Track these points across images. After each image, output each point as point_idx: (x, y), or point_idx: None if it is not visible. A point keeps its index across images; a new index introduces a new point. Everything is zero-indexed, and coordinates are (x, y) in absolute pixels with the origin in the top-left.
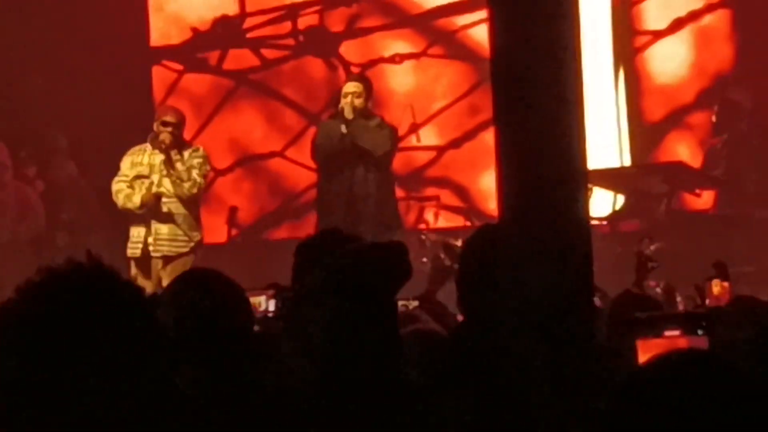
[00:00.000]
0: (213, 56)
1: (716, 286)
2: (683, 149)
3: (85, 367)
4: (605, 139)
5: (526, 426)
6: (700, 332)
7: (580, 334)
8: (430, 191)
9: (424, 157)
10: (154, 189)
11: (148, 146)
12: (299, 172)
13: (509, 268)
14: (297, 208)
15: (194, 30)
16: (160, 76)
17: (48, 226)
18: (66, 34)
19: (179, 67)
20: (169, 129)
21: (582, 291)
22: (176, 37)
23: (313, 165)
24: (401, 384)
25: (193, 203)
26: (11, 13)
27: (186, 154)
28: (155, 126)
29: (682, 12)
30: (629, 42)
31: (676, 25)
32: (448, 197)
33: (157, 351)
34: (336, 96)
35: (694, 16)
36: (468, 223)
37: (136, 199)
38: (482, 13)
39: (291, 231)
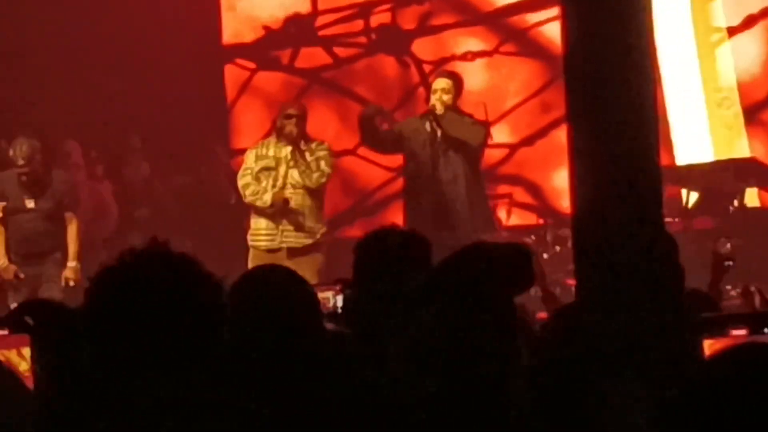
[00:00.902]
0: (285, 54)
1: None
2: (757, 146)
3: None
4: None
5: None
6: (766, 331)
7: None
8: (503, 189)
9: (496, 155)
10: (279, 182)
11: (272, 139)
12: (372, 170)
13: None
14: (370, 206)
15: (266, 28)
16: (233, 74)
17: (121, 225)
18: (139, 34)
19: (252, 65)
20: (294, 121)
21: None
22: (248, 36)
23: (386, 164)
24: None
25: (318, 196)
26: (85, 14)
27: (313, 145)
28: (278, 120)
29: (754, 9)
30: (705, 38)
31: (749, 21)
32: (520, 195)
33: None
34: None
35: (766, 12)
36: (541, 221)
37: (267, 198)
38: (554, 11)
39: (364, 229)
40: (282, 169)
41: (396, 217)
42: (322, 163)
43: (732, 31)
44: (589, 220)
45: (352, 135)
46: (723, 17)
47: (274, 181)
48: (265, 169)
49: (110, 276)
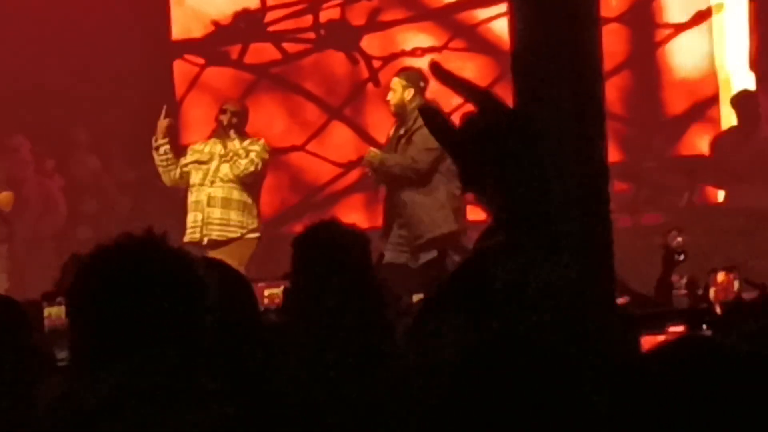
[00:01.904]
0: (234, 50)
1: (721, 276)
2: (704, 142)
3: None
4: None
5: None
6: (704, 327)
7: (601, 327)
8: None
9: None
10: (209, 176)
11: (213, 138)
12: (320, 165)
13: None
14: (318, 202)
15: (215, 24)
16: (182, 69)
17: (69, 220)
18: (87, 28)
19: (201, 60)
20: (227, 116)
21: (604, 284)
22: (197, 31)
23: (335, 159)
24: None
25: (249, 190)
26: (32, 8)
27: (247, 141)
28: (217, 116)
29: (703, 5)
30: (650, 35)
31: (698, 17)
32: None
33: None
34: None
35: (716, 9)
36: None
37: (166, 178)
38: (504, 7)
39: None
40: (214, 164)
41: (345, 212)
42: (252, 154)
43: (680, 28)
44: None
45: (300, 130)
46: (671, 14)
47: (204, 175)
48: (197, 162)
49: (93, 263)
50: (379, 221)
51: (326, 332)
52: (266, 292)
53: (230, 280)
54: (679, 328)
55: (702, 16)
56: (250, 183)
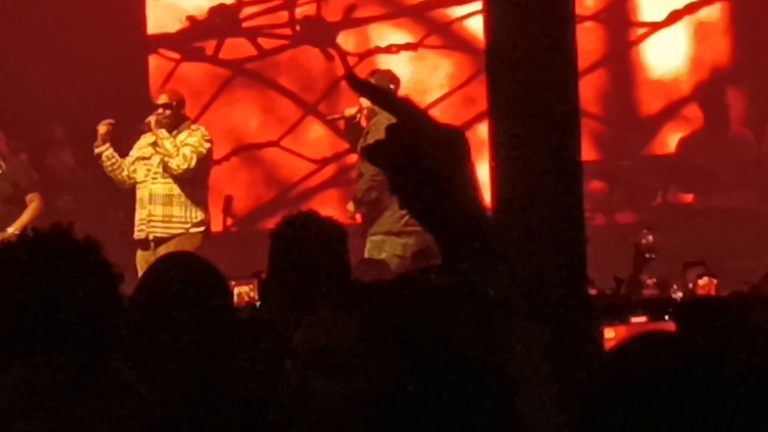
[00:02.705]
0: (209, 45)
1: (703, 281)
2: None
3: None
4: None
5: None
6: (666, 318)
7: (574, 320)
8: None
9: None
10: (152, 171)
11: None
12: (295, 162)
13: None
14: (293, 198)
15: (191, 19)
16: (157, 65)
17: (45, 214)
18: (62, 23)
19: (176, 56)
20: (159, 110)
21: (575, 279)
22: (173, 26)
23: (309, 155)
24: None
25: (191, 184)
26: (7, 2)
27: (184, 134)
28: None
29: (679, 4)
30: (626, 34)
31: (673, 17)
32: None
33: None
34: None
35: (691, 8)
36: None
37: (118, 181)
38: (479, 4)
39: None
40: (155, 160)
41: (319, 208)
42: (186, 149)
43: (656, 27)
44: (510, 214)
45: (275, 126)
46: (646, 13)
47: (147, 171)
48: (140, 159)
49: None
50: (355, 217)
51: (300, 323)
52: (236, 290)
53: (196, 272)
54: (642, 319)
55: (677, 15)
56: (191, 177)
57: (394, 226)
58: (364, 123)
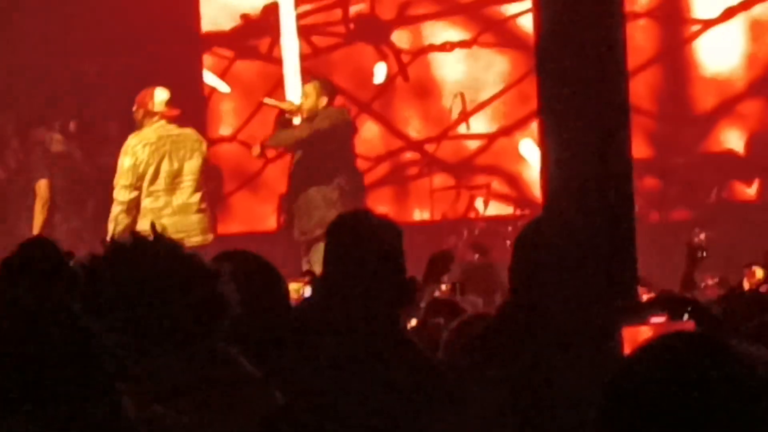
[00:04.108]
0: (263, 44)
1: (758, 272)
2: (734, 139)
3: None
4: None
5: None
6: (686, 317)
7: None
8: (480, 179)
9: (474, 145)
10: None
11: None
12: None
13: (555, 258)
14: None
15: (244, 17)
16: (211, 63)
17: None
18: (117, 22)
19: (229, 54)
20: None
21: (625, 281)
22: (226, 24)
23: (362, 153)
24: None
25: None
26: (63, 1)
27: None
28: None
29: (733, 1)
30: (680, 31)
31: (728, 14)
32: (498, 185)
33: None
34: None
35: (745, 5)
36: (518, 212)
37: None
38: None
39: None
40: None
41: (374, 205)
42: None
43: (709, 24)
44: (560, 212)
45: None
46: (700, 10)
47: None
48: None
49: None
50: (408, 215)
51: (357, 320)
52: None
53: (252, 269)
54: (661, 318)
55: (731, 12)
56: None
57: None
58: (296, 122)
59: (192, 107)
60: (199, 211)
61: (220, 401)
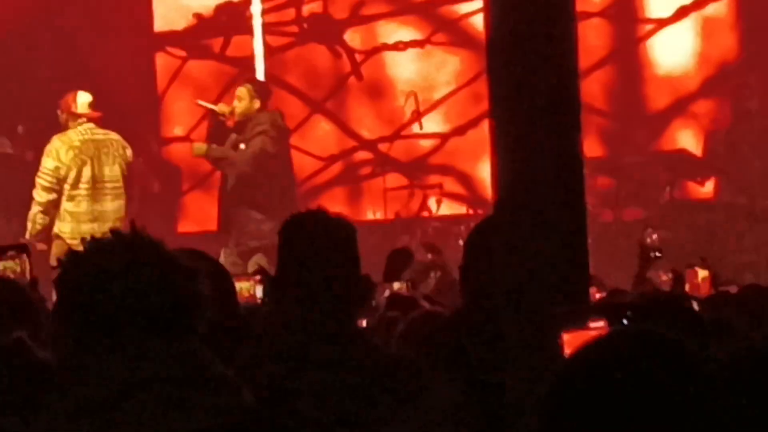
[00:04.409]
0: (216, 43)
1: (701, 273)
2: (686, 138)
3: None
4: None
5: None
6: (625, 322)
7: (571, 320)
8: (434, 179)
9: (427, 144)
10: None
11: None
12: (302, 159)
13: (504, 257)
14: (300, 195)
15: (197, 16)
16: (164, 62)
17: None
18: (70, 20)
19: (182, 53)
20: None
21: (576, 279)
22: (179, 23)
23: (317, 153)
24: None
25: None
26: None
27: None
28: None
29: (686, 0)
30: (633, 30)
31: (681, 13)
32: (451, 185)
33: None
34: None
35: (698, 4)
36: (471, 211)
37: None
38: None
39: None
40: None
41: (326, 205)
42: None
43: (663, 23)
44: (510, 210)
45: None
46: (653, 9)
47: None
48: None
49: (78, 260)
50: (362, 214)
51: (312, 320)
52: (237, 286)
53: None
54: (600, 323)
55: (684, 12)
56: None
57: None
58: (230, 124)
59: (145, 106)
60: (119, 219)
61: (186, 399)
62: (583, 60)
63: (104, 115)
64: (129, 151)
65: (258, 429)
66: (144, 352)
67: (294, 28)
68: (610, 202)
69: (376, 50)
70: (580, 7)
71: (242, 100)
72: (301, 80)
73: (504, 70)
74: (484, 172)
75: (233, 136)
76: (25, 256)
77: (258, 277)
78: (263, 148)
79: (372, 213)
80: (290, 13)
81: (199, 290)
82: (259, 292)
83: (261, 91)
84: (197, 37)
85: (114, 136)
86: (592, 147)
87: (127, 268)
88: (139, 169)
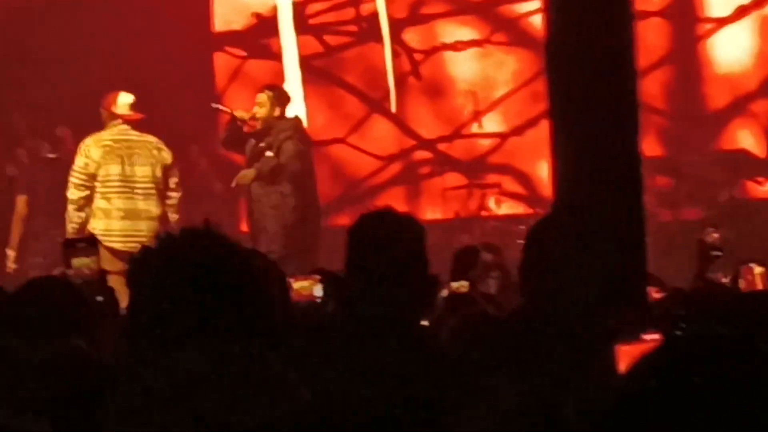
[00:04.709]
0: (275, 42)
1: (756, 269)
2: (746, 137)
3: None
4: None
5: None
6: (678, 333)
7: (630, 322)
8: (493, 178)
9: (486, 144)
10: None
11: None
12: (361, 158)
13: (565, 257)
14: (359, 194)
15: (257, 16)
16: (223, 62)
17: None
18: (129, 21)
19: (242, 53)
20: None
21: (635, 279)
22: (239, 23)
23: (376, 152)
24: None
25: None
26: (75, 2)
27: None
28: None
29: (745, 0)
30: (692, 29)
31: (740, 12)
32: (510, 184)
33: None
34: None
35: (758, 3)
36: (530, 211)
37: None
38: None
39: (352, 217)
40: None
41: (385, 204)
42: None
43: (722, 22)
44: (569, 210)
45: (341, 123)
46: (713, 8)
47: None
48: None
49: (151, 253)
50: (421, 213)
51: (378, 321)
52: (295, 285)
53: (264, 269)
54: (654, 335)
55: (744, 11)
56: None
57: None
58: (247, 129)
59: (205, 106)
60: (151, 218)
61: (245, 397)
62: (642, 59)
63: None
64: (165, 154)
65: (315, 427)
66: (206, 349)
67: (353, 28)
68: (669, 201)
69: (435, 50)
70: (639, 6)
71: (263, 106)
72: (360, 80)
73: (563, 70)
74: (543, 171)
75: (252, 141)
76: (96, 248)
77: (317, 276)
78: (298, 149)
79: (431, 212)
80: (349, 13)
81: (266, 290)
82: (317, 291)
83: (281, 97)
84: (256, 36)
85: (150, 138)
86: (650, 146)
87: (195, 266)
88: (201, 169)
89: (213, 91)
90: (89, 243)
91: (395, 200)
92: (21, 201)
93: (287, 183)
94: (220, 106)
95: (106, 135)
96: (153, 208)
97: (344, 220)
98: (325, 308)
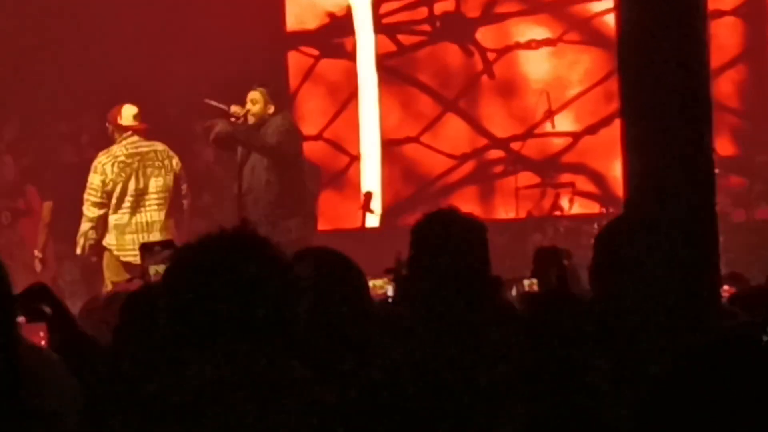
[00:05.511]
0: (349, 42)
1: None
2: None
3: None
4: None
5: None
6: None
7: (703, 322)
8: (566, 177)
9: (559, 143)
10: None
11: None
12: (434, 157)
13: (634, 257)
14: (432, 193)
15: (330, 15)
16: (296, 61)
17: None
18: (203, 19)
19: (315, 52)
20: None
21: (708, 279)
22: (312, 23)
23: (448, 151)
24: None
25: None
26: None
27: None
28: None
29: None
30: (765, 28)
31: None
32: (583, 183)
33: None
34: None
35: None
36: (603, 210)
37: None
38: None
39: None
40: None
41: (458, 204)
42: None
43: None
44: (642, 210)
45: (414, 122)
46: None
47: None
48: None
49: (187, 254)
50: (493, 213)
51: (442, 319)
52: (370, 284)
53: (332, 266)
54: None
55: None
56: None
57: None
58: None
59: (277, 106)
60: (163, 228)
61: (269, 401)
62: (715, 59)
63: (153, 127)
64: (176, 161)
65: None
66: (233, 354)
67: (426, 27)
68: (742, 201)
69: (508, 49)
70: (712, 5)
71: (256, 104)
72: (433, 79)
73: (635, 69)
74: (616, 170)
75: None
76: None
77: (390, 276)
78: (288, 131)
79: (504, 212)
80: (422, 12)
81: (293, 294)
82: (390, 290)
83: (275, 95)
84: (330, 36)
85: (159, 146)
86: (724, 146)
87: (224, 270)
88: None
89: (286, 90)
90: (165, 246)
91: (468, 199)
92: (46, 207)
93: (272, 163)
94: (214, 102)
95: (119, 150)
96: (165, 217)
97: (418, 219)
98: (396, 307)
